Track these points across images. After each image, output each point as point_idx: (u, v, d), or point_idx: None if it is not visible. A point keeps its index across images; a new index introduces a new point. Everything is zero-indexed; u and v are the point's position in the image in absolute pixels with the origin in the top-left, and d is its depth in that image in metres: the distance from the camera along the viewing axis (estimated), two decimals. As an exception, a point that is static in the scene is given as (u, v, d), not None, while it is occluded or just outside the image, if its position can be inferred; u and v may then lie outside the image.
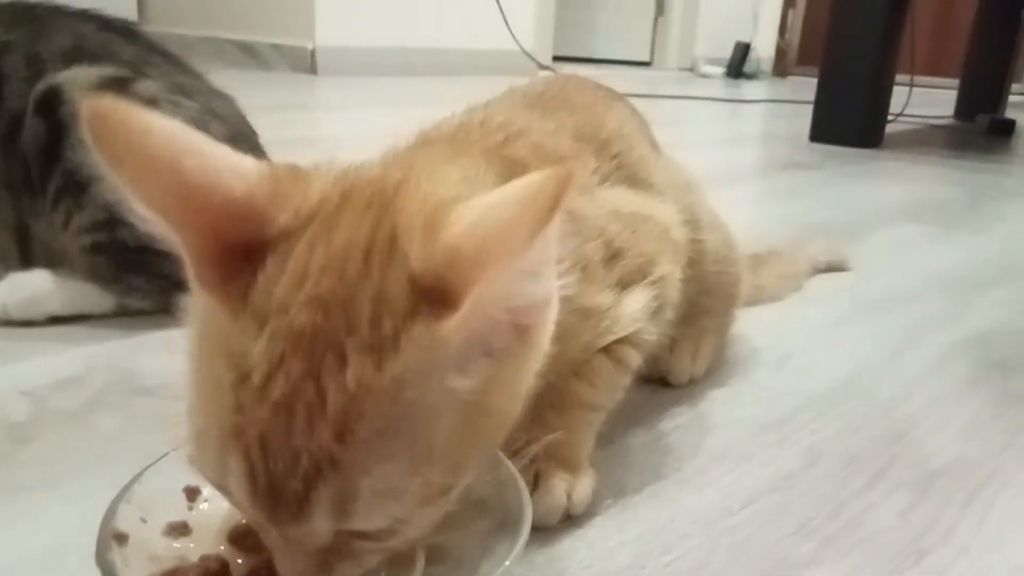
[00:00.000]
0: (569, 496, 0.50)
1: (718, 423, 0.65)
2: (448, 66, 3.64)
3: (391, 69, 3.49)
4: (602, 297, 0.49)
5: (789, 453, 0.61)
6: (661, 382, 0.70)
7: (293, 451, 0.31)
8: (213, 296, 0.32)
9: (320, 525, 0.32)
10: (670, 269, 0.55)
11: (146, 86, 0.77)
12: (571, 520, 0.50)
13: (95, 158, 0.32)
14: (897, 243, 1.27)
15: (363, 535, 0.34)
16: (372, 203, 0.34)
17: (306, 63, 3.38)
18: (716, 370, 0.74)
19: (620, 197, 0.55)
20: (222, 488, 0.34)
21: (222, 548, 0.43)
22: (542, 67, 3.86)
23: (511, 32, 3.67)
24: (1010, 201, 1.72)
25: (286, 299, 0.31)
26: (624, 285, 0.52)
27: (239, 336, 0.32)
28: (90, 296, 0.77)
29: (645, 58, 5.19)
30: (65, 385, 0.65)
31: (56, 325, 0.76)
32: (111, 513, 0.41)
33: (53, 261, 0.78)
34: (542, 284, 0.34)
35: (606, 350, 0.52)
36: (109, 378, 0.67)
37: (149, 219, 0.32)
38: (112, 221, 0.74)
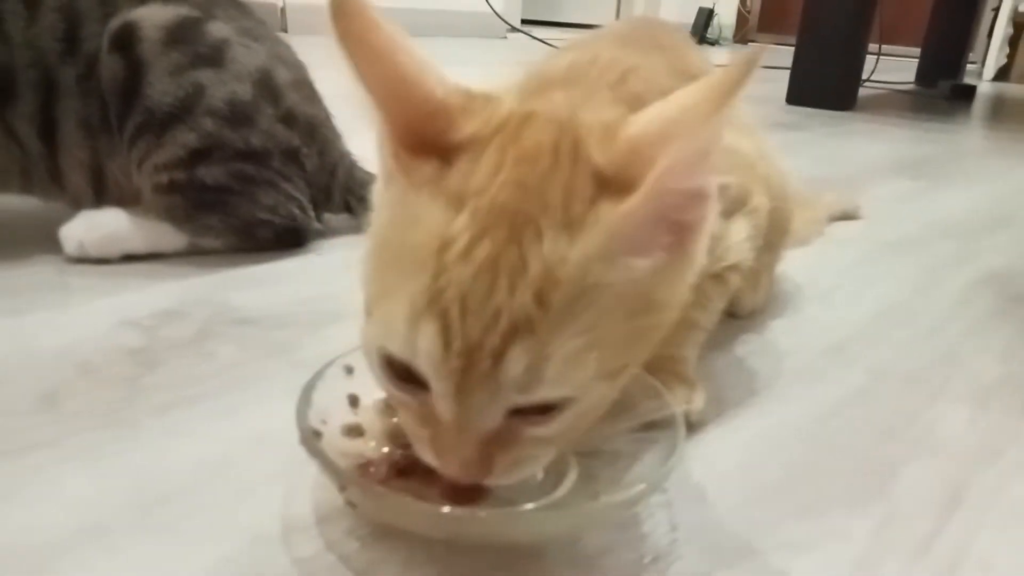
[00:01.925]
0: (688, 405, 0.54)
1: (785, 349, 0.70)
2: (420, 27, 3.57)
3: (361, 28, 3.44)
4: (715, 225, 0.53)
5: (856, 373, 0.67)
6: (726, 314, 0.74)
7: (494, 310, 0.33)
8: (407, 176, 0.36)
9: (508, 390, 0.34)
10: (761, 200, 0.60)
11: (218, 27, 0.78)
12: (688, 428, 0.55)
13: (337, 45, 0.36)
14: (894, 195, 1.34)
15: (536, 413, 0.36)
16: (553, 120, 0.38)
17: (276, 21, 3.33)
18: (769, 304, 0.79)
19: None
20: (407, 358, 0.35)
21: (385, 450, 0.47)
22: (512, 29, 3.87)
23: (483, -7, 3.66)
24: (989, 158, 1.82)
25: (484, 184, 0.35)
26: (727, 214, 0.56)
27: (438, 213, 0.35)
28: (165, 235, 0.79)
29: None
30: (168, 317, 0.67)
31: (130, 263, 0.78)
32: (303, 415, 0.44)
33: (125, 202, 0.79)
34: (707, 175, 0.36)
35: (714, 275, 0.56)
36: (208, 311, 0.69)
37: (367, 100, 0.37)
38: (191, 159, 0.75)
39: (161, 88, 0.74)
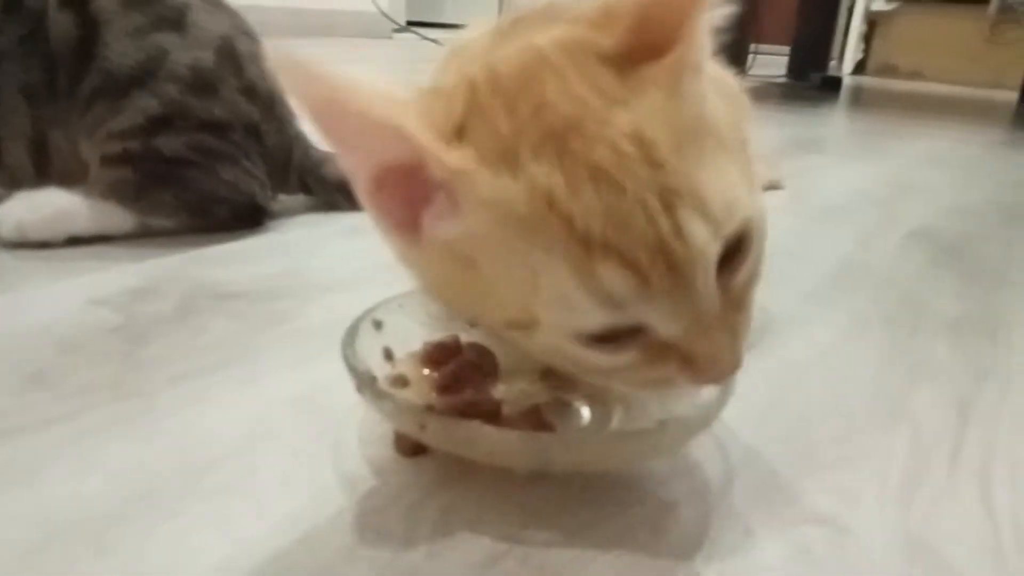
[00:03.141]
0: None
1: (767, 297, 0.72)
2: (304, 27, 3.53)
3: (241, 30, 3.33)
4: None
5: (840, 316, 0.69)
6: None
7: (640, 202, 0.31)
8: (460, 178, 0.33)
9: (707, 249, 0.32)
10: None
11: None
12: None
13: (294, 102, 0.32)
14: (810, 169, 1.41)
15: (729, 261, 0.34)
16: (516, 54, 0.35)
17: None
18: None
19: None
20: (611, 320, 0.33)
21: (433, 396, 0.45)
22: (399, 29, 3.84)
23: (367, -7, 3.61)
24: (880, 138, 1.94)
25: (512, 126, 0.33)
26: None
27: (509, 178, 0.32)
28: (112, 216, 0.73)
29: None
30: (139, 294, 0.62)
31: (76, 247, 0.72)
32: (352, 365, 0.42)
33: (69, 180, 0.73)
34: (704, 50, 0.35)
35: None
36: (182, 287, 0.64)
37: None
38: (151, 127, 0.70)
39: (120, 49, 0.68)
